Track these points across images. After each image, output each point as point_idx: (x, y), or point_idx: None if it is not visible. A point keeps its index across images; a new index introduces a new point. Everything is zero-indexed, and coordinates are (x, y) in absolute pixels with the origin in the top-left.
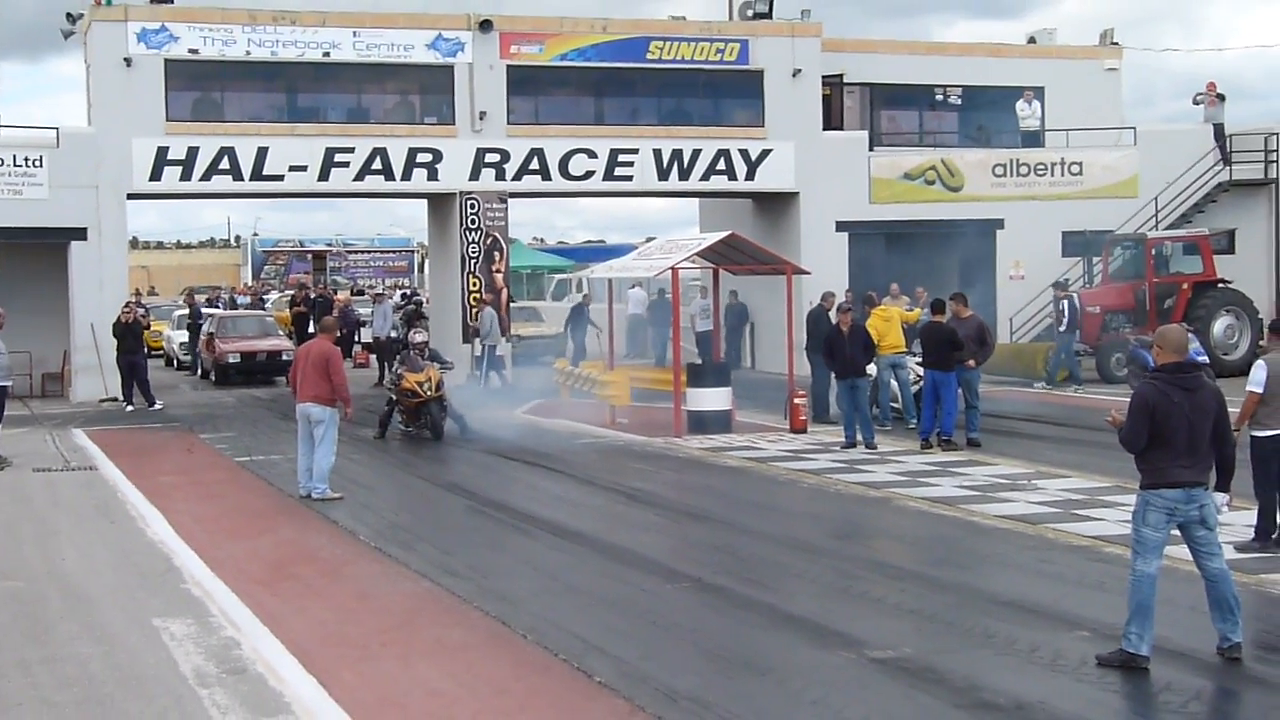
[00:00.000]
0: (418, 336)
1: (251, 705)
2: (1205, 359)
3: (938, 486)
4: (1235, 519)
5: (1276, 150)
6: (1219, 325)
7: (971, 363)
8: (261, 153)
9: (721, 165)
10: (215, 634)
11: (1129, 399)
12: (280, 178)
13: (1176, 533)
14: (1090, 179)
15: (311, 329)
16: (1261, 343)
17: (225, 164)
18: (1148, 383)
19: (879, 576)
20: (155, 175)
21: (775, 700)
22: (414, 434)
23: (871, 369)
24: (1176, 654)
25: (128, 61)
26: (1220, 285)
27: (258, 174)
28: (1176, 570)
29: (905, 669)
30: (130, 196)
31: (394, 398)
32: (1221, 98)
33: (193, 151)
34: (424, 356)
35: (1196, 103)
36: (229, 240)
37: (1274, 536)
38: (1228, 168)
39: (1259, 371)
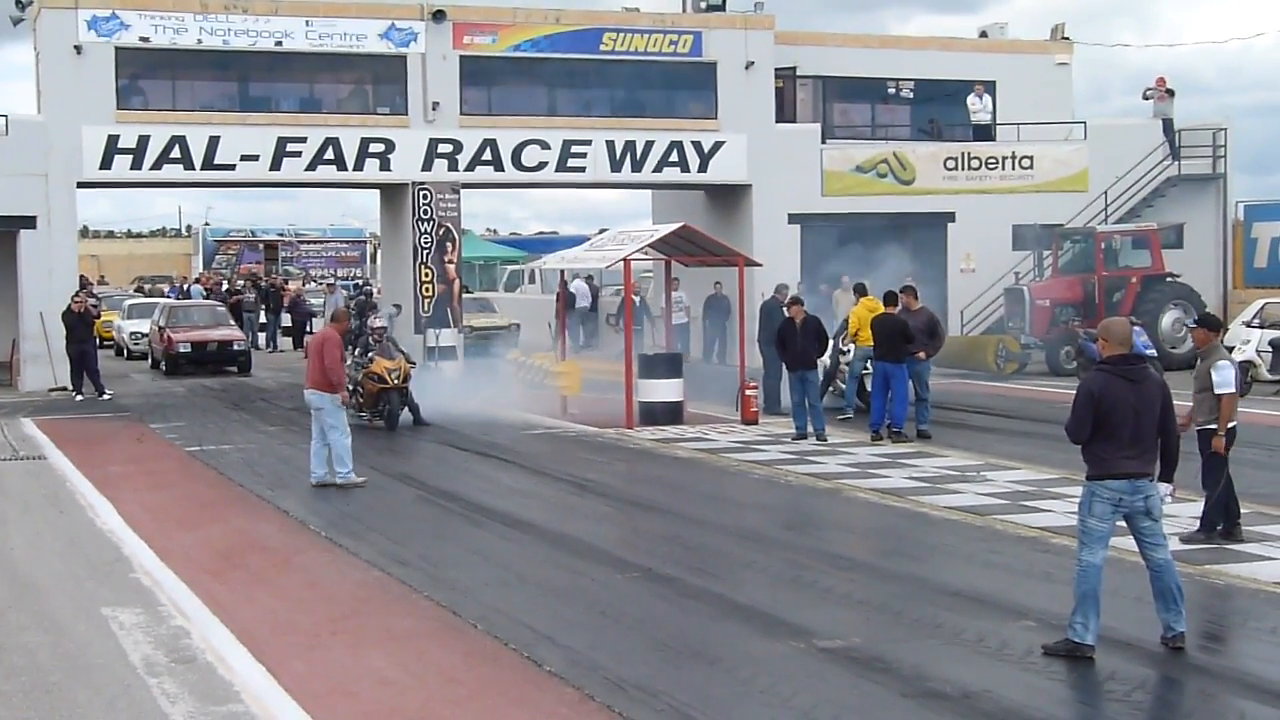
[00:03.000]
0: (378, 321)
1: (201, 694)
2: (1153, 352)
3: (887, 478)
4: (1180, 510)
5: (1225, 145)
6: (1167, 319)
7: (922, 355)
8: (213, 142)
9: (674, 157)
10: (164, 623)
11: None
12: (232, 167)
13: (1123, 524)
14: (1041, 173)
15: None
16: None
17: (176, 153)
18: (1093, 374)
19: (828, 567)
20: (105, 164)
21: (724, 689)
22: (366, 422)
23: (824, 360)
24: (1121, 643)
25: (78, 49)
26: (1169, 279)
27: (209, 163)
28: (1123, 561)
29: (853, 658)
30: (80, 185)
31: (353, 384)
32: (1171, 93)
33: (143, 140)
34: (391, 344)
35: (1146, 98)
36: (180, 229)
37: (1219, 528)
38: (1176, 162)
39: (1228, 371)
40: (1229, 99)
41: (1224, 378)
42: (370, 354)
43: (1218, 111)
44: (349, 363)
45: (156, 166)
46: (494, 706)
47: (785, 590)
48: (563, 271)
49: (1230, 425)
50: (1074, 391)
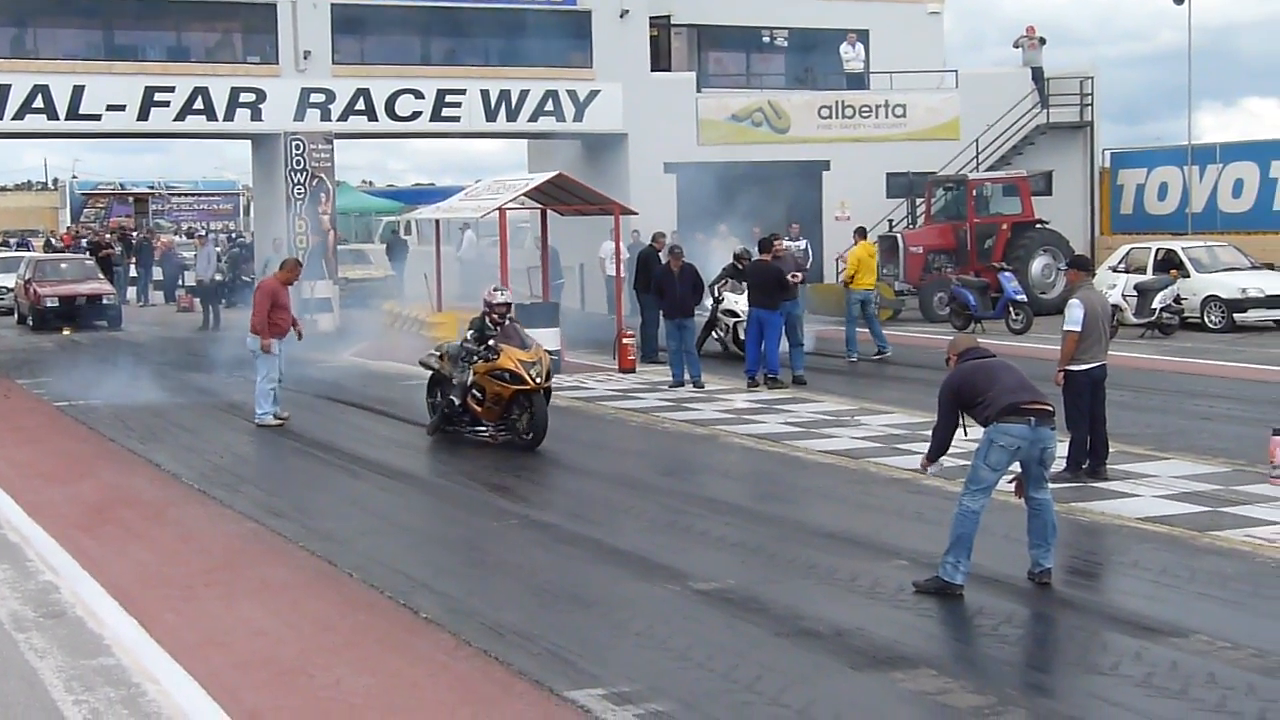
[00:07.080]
0: (500, 296)
1: (70, 648)
2: (1023, 297)
3: (763, 423)
4: None
5: (1092, 94)
6: (1036, 265)
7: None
8: (77, 91)
9: (550, 106)
10: (33, 579)
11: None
12: (97, 117)
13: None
14: (913, 121)
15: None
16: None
17: (39, 102)
18: (951, 372)
19: (704, 511)
20: None
21: (600, 632)
22: (489, 438)
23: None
24: (989, 580)
25: None
26: (1038, 225)
27: (74, 113)
28: (992, 500)
29: (729, 600)
30: None
31: (467, 381)
32: (1041, 41)
33: (4, 89)
34: (517, 328)
35: (1017, 46)
36: (46, 183)
37: (1084, 466)
38: (1045, 110)
39: (1076, 310)
40: (1100, 50)
41: (1069, 315)
42: (492, 341)
43: (1089, 61)
44: (451, 349)
45: (18, 117)
46: (370, 654)
47: (662, 534)
48: (437, 222)
49: (1095, 365)
50: (947, 338)
